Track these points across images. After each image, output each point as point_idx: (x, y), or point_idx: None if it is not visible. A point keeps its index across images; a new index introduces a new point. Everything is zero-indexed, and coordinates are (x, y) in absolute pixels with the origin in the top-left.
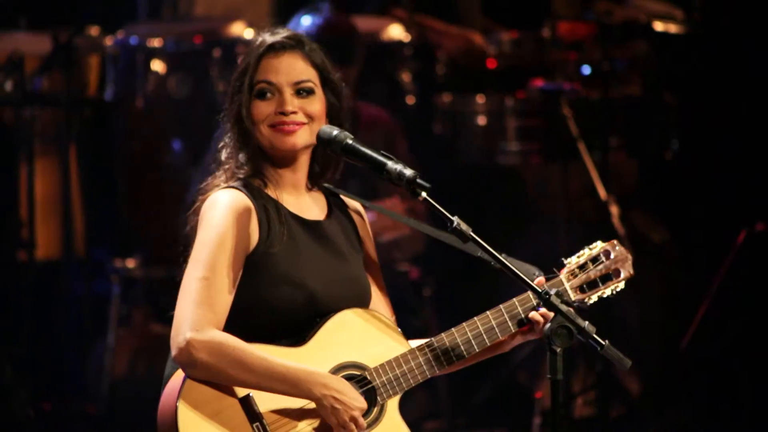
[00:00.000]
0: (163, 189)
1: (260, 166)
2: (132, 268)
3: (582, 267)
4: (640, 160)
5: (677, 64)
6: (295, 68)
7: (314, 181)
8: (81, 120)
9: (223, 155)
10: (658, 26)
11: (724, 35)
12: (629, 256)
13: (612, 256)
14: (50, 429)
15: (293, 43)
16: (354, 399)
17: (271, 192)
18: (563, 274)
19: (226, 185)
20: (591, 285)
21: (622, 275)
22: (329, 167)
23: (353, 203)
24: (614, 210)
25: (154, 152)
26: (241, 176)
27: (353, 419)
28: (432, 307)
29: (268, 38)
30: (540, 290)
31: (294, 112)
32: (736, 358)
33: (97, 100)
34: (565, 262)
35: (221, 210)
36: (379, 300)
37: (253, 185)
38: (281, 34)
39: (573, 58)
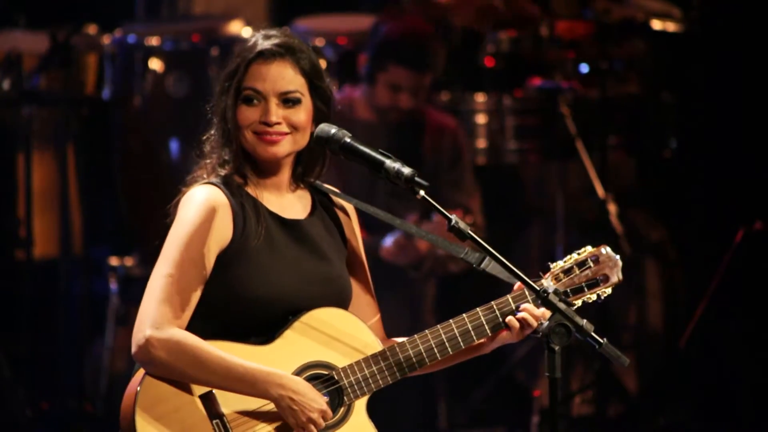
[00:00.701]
0: (161, 187)
1: (242, 165)
2: (130, 266)
3: (567, 271)
4: (638, 158)
5: (675, 63)
6: (283, 77)
7: (299, 179)
8: (79, 119)
9: (207, 147)
10: (656, 25)
11: (722, 33)
12: (618, 261)
13: (600, 261)
14: (48, 428)
15: (282, 51)
16: (312, 399)
17: (251, 190)
18: (546, 279)
19: (206, 181)
20: (576, 290)
21: (610, 281)
22: (315, 166)
23: (341, 202)
24: (612, 208)
25: (152, 151)
26: (222, 173)
27: (310, 420)
28: (432, 307)
29: (260, 42)
30: (539, 289)
31: (278, 123)
32: (735, 357)
33: (94, 98)
34: (551, 266)
35: (194, 207)
36: (362, 299)
37: (234, 182)
38: (273, 39)
39: (571, 57)
